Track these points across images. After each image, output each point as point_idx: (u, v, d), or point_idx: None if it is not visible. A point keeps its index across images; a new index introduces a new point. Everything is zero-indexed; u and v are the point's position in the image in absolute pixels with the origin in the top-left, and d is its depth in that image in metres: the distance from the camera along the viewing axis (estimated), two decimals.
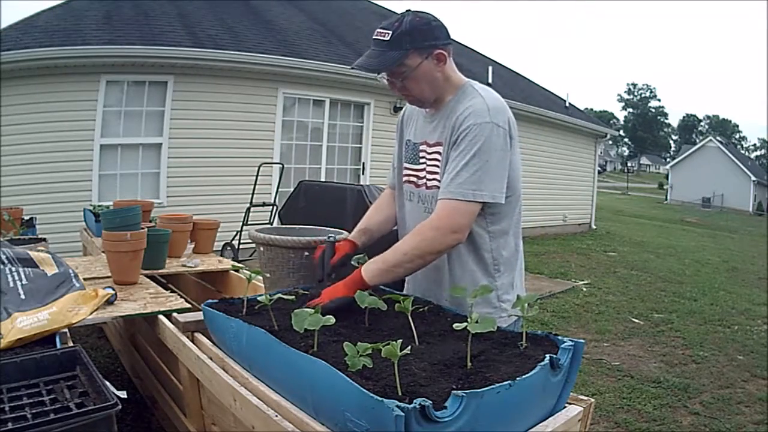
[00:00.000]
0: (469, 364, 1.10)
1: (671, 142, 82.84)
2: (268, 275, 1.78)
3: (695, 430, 2.99)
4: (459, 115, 1.43)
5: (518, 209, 1.54)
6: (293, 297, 1.42)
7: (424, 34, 1.42)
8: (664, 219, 22.90)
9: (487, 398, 0.92)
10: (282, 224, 3.99)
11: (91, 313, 1.69)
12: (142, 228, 2.44)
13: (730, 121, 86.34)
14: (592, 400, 1.24)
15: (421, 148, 1.56)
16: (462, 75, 1.54)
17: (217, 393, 1.38)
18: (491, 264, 1.51)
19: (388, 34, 1.40)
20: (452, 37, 1.54)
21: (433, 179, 1.51)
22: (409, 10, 1.46)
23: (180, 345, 1.62)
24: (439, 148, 1.49)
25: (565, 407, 1.17)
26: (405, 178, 1.63)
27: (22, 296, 1.64)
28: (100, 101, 6.03)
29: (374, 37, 1.44)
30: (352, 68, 1.49)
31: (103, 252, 2.43)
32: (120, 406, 1.03)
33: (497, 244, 1.50)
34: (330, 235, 1.69)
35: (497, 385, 0.95)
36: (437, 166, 1.50)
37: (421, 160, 1.56)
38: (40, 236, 3.16)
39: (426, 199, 1.55)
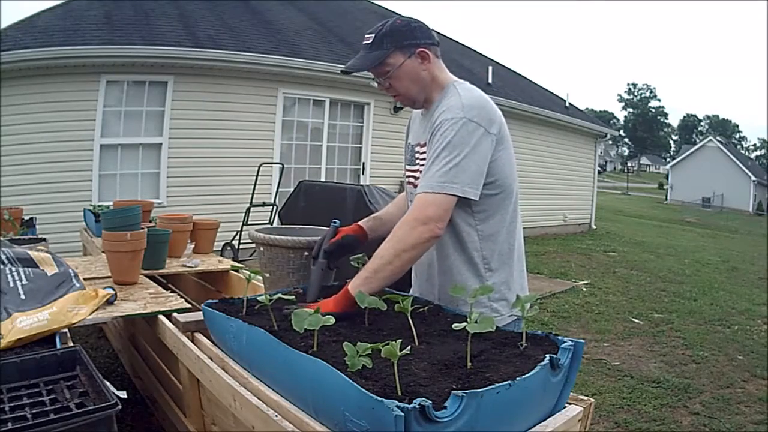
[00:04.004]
0: (469, 364, 1.09)
1: (671, 142, 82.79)
2: (268, 275, 1.78)
3: (695, 430, 2.99)
4: (435, 113, 1.47)
5: (512, 208, 1.53)
6: (293, 297, 1.42)
7: (405, 34, 1.48)
8: (664, 219, 22.90)
9: (486, 398, 0.92)
10: (282, 224, 3.99)
11: (91, 313, 1.70)
12: (142, 228, 2.44)
13: (730, 121, 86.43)
14: (592, 400, 1.24)
15: (416, 149, 1.60)
16: (451, 75, 1.57)
17: (217, 393, 1.38)
18: (481, 264, 1.50)
19: (372, 37, 1.49)
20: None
21: None
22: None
23: (180, 345, 1.62)
24: (425, 148, 1.52)
25: (565, 407, 1.17)
26: (407, 180, 1.66)
27: (22, 296, 1.65)
28: (100, 101, 6.03)
29: (363, 42, 1.52)
30: (341, 72, 1.57)
31: (103, 252, 2.43)
32: (120, 406, 1.03)
33: (487, 244, 1.50)
34: (335, 220, 1.70)
35: (497, 385, 0.95)
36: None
37: (416, 161, 1.59)
38: (40, 236, 3.16)
39: None
